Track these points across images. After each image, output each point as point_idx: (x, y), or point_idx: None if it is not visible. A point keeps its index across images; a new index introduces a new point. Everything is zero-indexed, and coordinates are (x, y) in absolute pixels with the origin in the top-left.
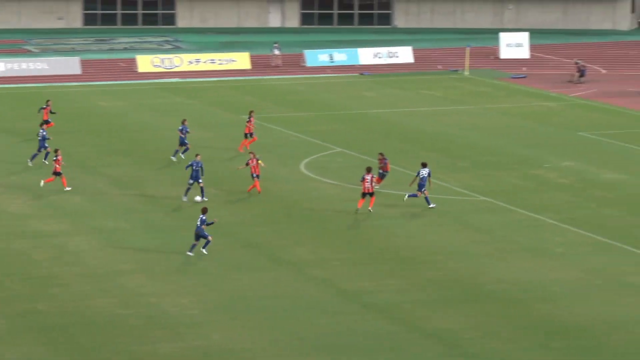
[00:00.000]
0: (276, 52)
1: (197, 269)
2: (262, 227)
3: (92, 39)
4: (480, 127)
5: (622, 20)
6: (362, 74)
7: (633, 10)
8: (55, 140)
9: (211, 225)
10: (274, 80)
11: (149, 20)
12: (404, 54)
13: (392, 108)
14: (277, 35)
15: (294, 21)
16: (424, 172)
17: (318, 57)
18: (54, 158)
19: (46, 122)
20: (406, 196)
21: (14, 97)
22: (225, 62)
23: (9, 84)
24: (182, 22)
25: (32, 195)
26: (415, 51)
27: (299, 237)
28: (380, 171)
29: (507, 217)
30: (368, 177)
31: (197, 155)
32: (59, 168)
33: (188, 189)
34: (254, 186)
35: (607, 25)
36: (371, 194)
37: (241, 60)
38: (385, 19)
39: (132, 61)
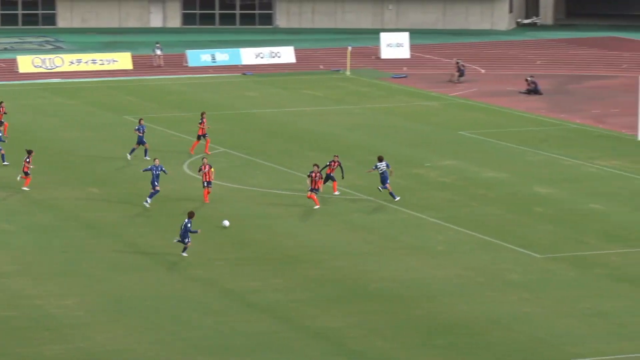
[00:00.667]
0: (158, 52)
1: (81, 270)
2: (145, 228)
3: None
4: (362, 127)
5: (500, 20)
6: (244, 74)
7: (511, 11)
8: None
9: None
10: (156, 80)
11: (29, 20)
12: (286, 54)
13: (275, 108)
14: (158, 35)
15: (175, 21)
16: (382, 165)
17: (200, 57)
18: (26, 159)
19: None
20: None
21: None
22: (106, 63)
23: None
24: (62, 22)
25: None
26: (297, 51)
27: None
28: (328, 173)
29: (391, 216)
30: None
31: (155, 159)
32: (26, 168)
33: (152, 194)
34: (205, 193)
35: (485, 26)
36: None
37: (123, 60)
38: (267, 19)
39: (13, 62)
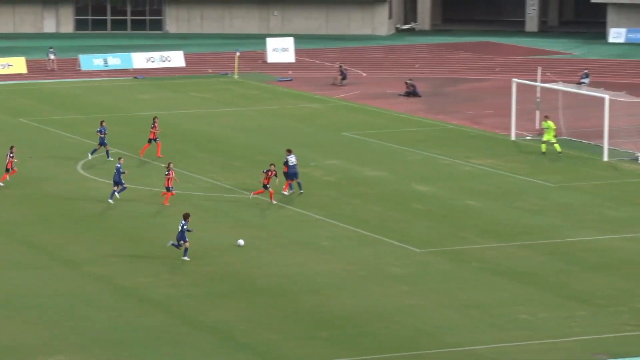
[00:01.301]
0: (51, 56)
1: None
2: (40, 226)
3: None
4: (250, 128)
5: (380, 26)
6: (136, 78)
7: (390, 17)
8: None
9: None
10: (50, 84)
11: None
12: (176, 58)
13: (166, 110)
14: (52, 40)
15: (68, 27)
16: (293, 159)
17: (93, 61)
18: (10, 155)
19: None
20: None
21: None
22: (1, 67)
23: None
24: None
25: None
26: (186, 55)
27: (77, 235)
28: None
29: (278, 214)
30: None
31: (119, 158)
32: (10, 164)
33: (114, 192)
34: (166, 196)
35: (366, 31)
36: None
37: (17, 64)
38: (157, 25)
39: None
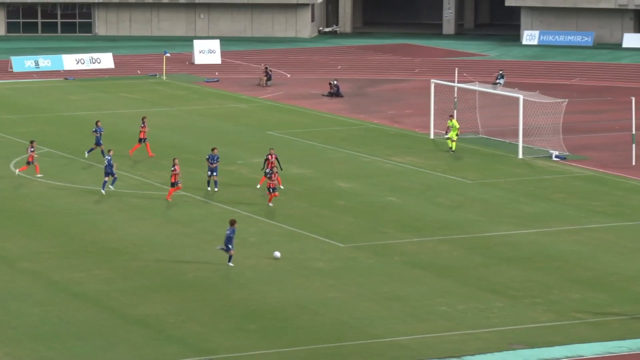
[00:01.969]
0: None
1: None
2: None
3: None
4: (178, 128)
5: (304, 28)
6: (66, 79)
7: (313, 20)
8: None
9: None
10: None
11: None
12: (105, 60)
13: (96, 110)
14: None
15: (0, 29)
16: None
17: (24, 63)
18: (31, 149)
19: None
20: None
21: None
22: None
23: None
24: None
25: None
26: (115, 57)
27: (10, 232)
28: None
29: (205, 210)
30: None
31: (109, 150)
32: (31, 158)
33: (105, 182)
34: (170, 192)
35: (290, 33)
36: (275, 189)
37: None
38: (87, 27)
39: None
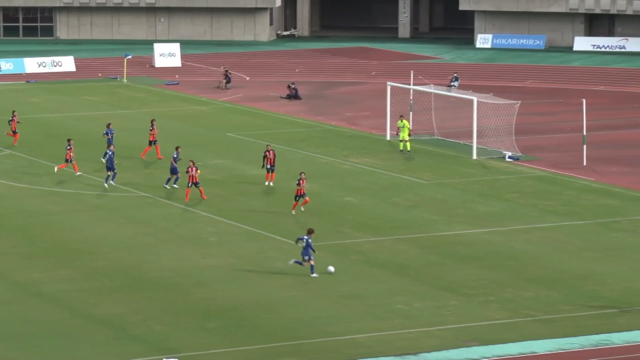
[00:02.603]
0: None
1: None
2: None
3: None
4: (139, 130)
5: (262, 32)
6: (28, 82)
7: (271, 23)
8: None
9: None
10: None
11: None
12: (67, 63)
13: (57, 113)
14: None
15: None
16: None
17: None
18: (68, 147)
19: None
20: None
21: None
22: None
23: None
24: None
25: None
26: (77, 60)
27: None
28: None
29: (166, 211)
30: (303, 182)
31: (110, 146)
32: (69, 156)
33: (108, 177)
34: (200, 192)
35: (249, 37)
36: (303, 195)
37: None
38: (48, 31)
39: None
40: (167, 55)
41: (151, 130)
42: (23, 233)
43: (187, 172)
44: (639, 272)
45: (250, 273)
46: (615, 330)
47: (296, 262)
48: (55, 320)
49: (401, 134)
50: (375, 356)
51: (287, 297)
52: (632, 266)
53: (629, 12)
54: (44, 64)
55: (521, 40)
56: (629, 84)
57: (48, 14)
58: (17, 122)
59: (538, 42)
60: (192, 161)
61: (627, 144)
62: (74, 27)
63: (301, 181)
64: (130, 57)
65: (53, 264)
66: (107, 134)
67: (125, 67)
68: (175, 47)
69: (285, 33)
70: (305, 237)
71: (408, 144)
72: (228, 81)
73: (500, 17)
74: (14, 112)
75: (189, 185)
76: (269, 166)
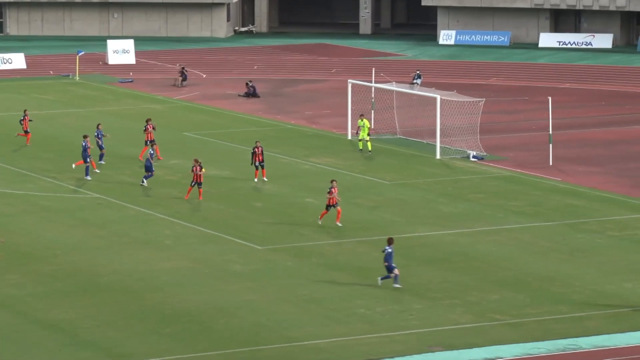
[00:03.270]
0: None
1: None
2: None
3: None
4: (92, 129)
5: (219, 28)
6: None
7: (228, 19)
8: None
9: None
10: None
11: None
12: (17, 60)
13: (7, 112)
14: None
15: None
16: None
17: None
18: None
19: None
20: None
21: None
22: None
23: None
24: None
25: None
26: (27, 57)
27: None
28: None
29: (121, 213)
30: (335, 190)
31: (85, 136)
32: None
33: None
34: (199, 192)
35: (205, 33)
36: (335, 205)
37: None
38: None
39: None
40: (120, 52)
41: (145, 130)
42: None
43: (192, 170)
44: (606, 274)
45: (207, 276)
46: (583, 335)
47: (384, 278)
48: (4, 326)
49: (361, 133)
50: None
51: (245, 301)
52: (599, 268)
53: (595, 7)
54: None
55: (485, 36)
56: (595, 81)
57: None
58: (30, 120)
59: (502, 38)
60: (198, 160)
61: (594, 143)
62: (24, 23)
63: (333, 189)
64: (82, 53)
65: (1, 268)
66: (97, 135)
67: (77, 64)
68: (129, 44)
69: (243, 29)
70: (387, 247)
71: (369, 143)
72: (184, 79)
73: (463, 13)
74: (25, 110)
75: (192, 184)
76: (257, 163)
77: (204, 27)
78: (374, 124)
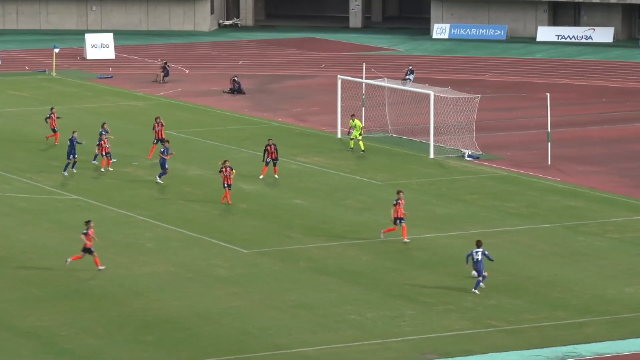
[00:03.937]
0: None
1: None
2: None
3: None
4: (70, 127)
5: (203, 21)
6: None
7: (212, 12)
8: None
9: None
10: None
11: None
12: None
13: None
14: None
15: None
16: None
17: None
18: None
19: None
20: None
21: None
22: None
23: None
24: None
25: None
26: (2, 52)
27: None
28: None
29: (99, 215)
30: (402, 202)
31: (74, 132)
32: (106, 149)
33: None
34: (225, 196)
35: (188, 27)
36: (402, 220)
37: None
38: None
39: None
40: (99, 46)
41: (154, 128)
42: None
43: (221, 172)
44: (607, 278)
45: (190, 281)
46: (583, 342)
47: (476, 288)
48: None
49: (354, 132)
50: None
51: (230, 307)
52: (599, 272)
53: (596, 0)
54: None
55: (481, 30)
56: (595, 77)
57: None
58: (58, 117)
59: (499, 32)
60: (227, 161)
61: (593, 141)
62: None
63: (400, 201)
64: (58, 49)
65: None
66: (102, 133)
67: (54, 59)
68: (109, 38)
69: (228, 23)
70: (479, 250)
71: (361, 142)
72: (166, 74)
73: (458, 6)
74: (52, 108)
75: (225, 186)
76: (269, 159)
77: (186, 21)
78: (364, 121)
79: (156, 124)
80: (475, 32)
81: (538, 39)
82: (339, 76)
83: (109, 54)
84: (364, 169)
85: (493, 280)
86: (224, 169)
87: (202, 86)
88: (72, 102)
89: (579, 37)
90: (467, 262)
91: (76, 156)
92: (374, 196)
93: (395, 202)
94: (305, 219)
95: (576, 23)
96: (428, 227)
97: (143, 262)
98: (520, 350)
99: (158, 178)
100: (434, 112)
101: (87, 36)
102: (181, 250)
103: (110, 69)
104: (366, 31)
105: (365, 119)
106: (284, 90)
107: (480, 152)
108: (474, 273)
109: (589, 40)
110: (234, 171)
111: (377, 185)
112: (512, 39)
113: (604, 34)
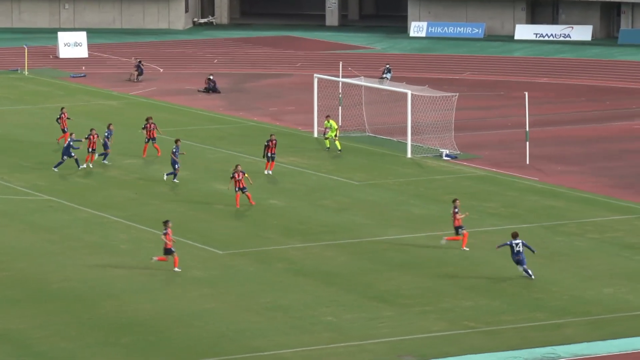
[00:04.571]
0: None
1: None
2: None
3: None
4: (42, 127)
5: (177, 19)
6: None
7: (187, 10)
8: None
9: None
10: None
11: None
12: None
13: None
14: None
15: None
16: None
17: None
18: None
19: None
20: None
21: None
22: None
23: None
24: None
25: None
26: None
27: None
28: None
29: (72, 216)
30: (457, 209)
31: (71, 133)
32: (94, 145)
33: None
34: (248, 197)
35: (162, 25)
36: (462, 227)
37: None
38: None
39: None
40: (72, 45)
41: (144, 128)
42: None
43: (233, 177)
44: (586, 279)
45: (165, 283)
46: (561, 343)
47: (525, 273)
48: None
49: (329, 133)
50: None
51: (205, 309)
52: (578, 273)
53: None
54: None
55: (458, 28)
56: (574, 75)
57: None
58: (68, 118)
59: (476, 30)
60: (239, 166)
61: (572, 140)
62: None
63: (456, 209)
64: (27, 47)
65: None
66: (107, 135)
67: (26, 58)
68: (82, 36)
69: (203, 21)
70: (518, 241)
71: (337, 142)
72: (140, 73)
73: (435, 4)
74: (62, 108)
75: (237, 190)
76: (269, 154)
77: (161, 19)
78: (341, 121)
79: (148, 124)
80: (453, 31)
81: (516, 37)
82: (315, 75)
83: (82, 52)
84: (341, 169)
85: (471, 282)
86: (236, 174)
87: (176, 85)
88: (44, 102)
89: (557, 35)
90: (498, 247)
91: (73, 155)
92: (351, 196)
93: (455, 211)
94: (282, 220)
95: (554, 21)
96: (405, 228)
97: (116, 264)
98: (499, 351)
99: (174, 178)
100: (411, 111)
101: (60, 34)
102: (156, 251)
103: (84, 67)
104: (343, 29)
105: (342, 118)
106: (260, 89)
107: (458, 152)
108: (519, 268)
109: (567, 39)
110: (246, 175)
111: (354, 186)
112: (489, 37)
113: (582, 32)
